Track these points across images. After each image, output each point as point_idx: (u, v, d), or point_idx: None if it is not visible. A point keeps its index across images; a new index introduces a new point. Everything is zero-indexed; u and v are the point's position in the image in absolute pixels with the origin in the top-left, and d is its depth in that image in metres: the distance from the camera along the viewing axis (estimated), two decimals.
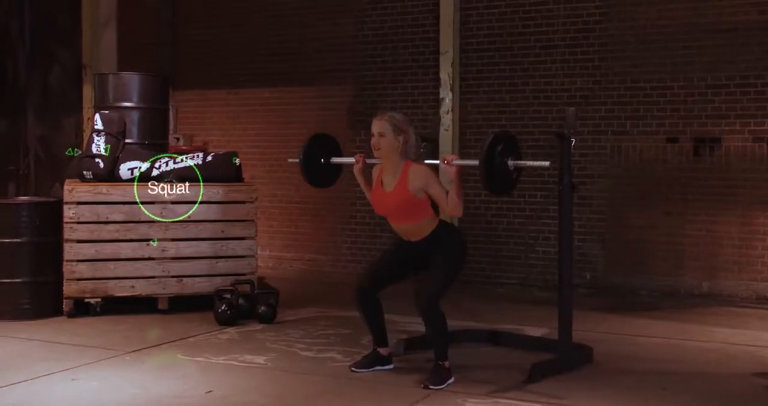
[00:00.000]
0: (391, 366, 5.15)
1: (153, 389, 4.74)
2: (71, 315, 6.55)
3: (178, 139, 9.33)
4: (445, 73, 8.21)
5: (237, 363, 5.28)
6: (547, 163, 4.95)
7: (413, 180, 4.84)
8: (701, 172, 7.44)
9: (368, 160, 5.14)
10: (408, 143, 4.91)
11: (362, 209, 8.73)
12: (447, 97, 8.20)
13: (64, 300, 6.55)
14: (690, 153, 7.47)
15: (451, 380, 4.83)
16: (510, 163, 4.74)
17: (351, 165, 5.22)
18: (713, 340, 6.05)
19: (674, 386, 4.89)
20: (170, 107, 9.53)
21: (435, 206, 4.96)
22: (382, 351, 5.15)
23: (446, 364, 4.88)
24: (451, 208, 4.79)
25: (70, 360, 5.27)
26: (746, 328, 6.45)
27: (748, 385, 4.96)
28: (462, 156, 8.27)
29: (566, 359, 5.21)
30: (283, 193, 9.25)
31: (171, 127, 9.59)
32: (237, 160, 7.06)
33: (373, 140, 4.92)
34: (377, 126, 4.91)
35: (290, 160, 5.57)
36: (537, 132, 7.98)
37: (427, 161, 5.01)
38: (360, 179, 5.18)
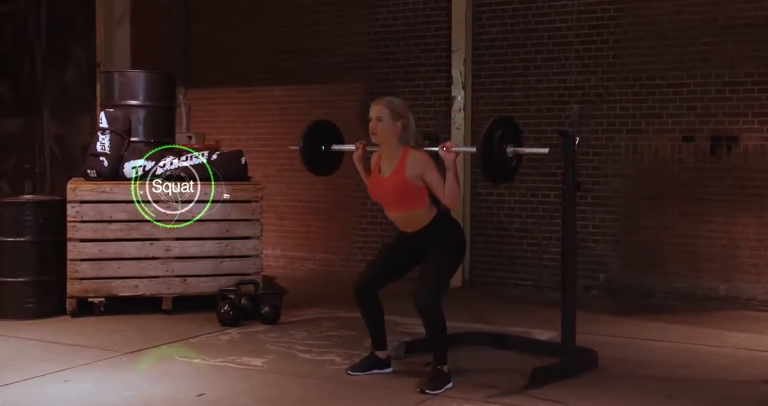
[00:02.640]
0: (390, 370, 5.04)
1: (146, 391, 4.67)
2: (75, 315, 6.51)
3: (190, 137, 9.28)
4: (457, 70, 8.07)
5: (234, 365, 5.19)
6: (546, 150, 4.88)
7: (411, 166, 4.73)
8: (718, 171, 7.23)
9: (368, 148, 5.06)
10: (407, 129, 4.80)
11: (374, 208, 8.61)
12: (459, 95, 8.05)
13: (68, 299, 6.50)
14: (706, 152, 7.27)
15: (449, 385, 4.71)
16: (509, 149, 4.64)
17: (351, 152, 5.13)
18: (726, 345, 5.87)
19: (681, 393, 4.73)
20: (183, 105, 9.54)
21: (434, 198, 4.83)
22: (380, 354, 5.04)
23: (445, 368, 4.76)
24: (448, 196, 4.67)
25: (65, 361, 5.22)
26: (762, 332, 6.25)
27: (758, 392, 4.79)
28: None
29: (569, 363, 5.07)
30: (294, 192, 9.17)
31: (184, 125, 9.59)
32: (243, 159, 6.99)
33: (371, 125, 4.81)
34: (375, 110, 4.82)
35: (291, 147, 5.50)
36: (550, 130, 7.79)
37: (425, 149, 4.91)
38: (359, 166, 5.10)
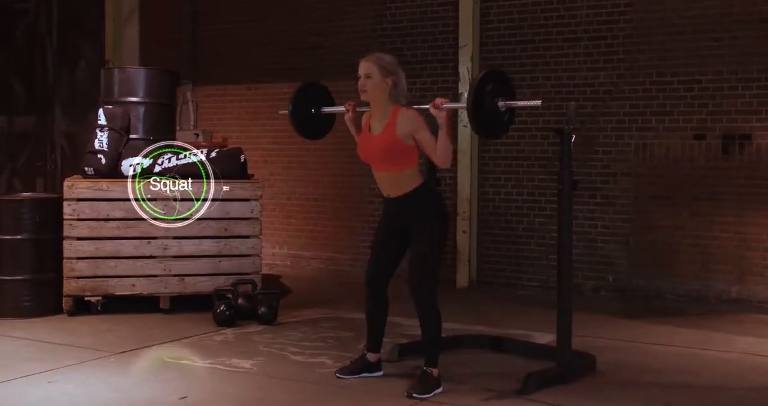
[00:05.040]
0: (380, 373, 4.91)
1: (128, 393, 4.59)
2: (72, 313, 6.45)
3: (197, 134, 9.19)
4: (464, 67, 7.92)
5: (222, 367, 5.09)
6: (538, 102, 4.75)
7: (402, 124, 4.59)
8: (730, 170, 7.02)
9: (358, 108, 4.94)
10: (397, 86, 4.67)
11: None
12: (466, 92, 7.90)
13: (64, 298, 6.44)
14: (718, 150, 7.06)
15: (438, 390, 4.58)
16: (501, 103, 4.51)
17: (343, 114, 5.03)
18: (734, 350, 5.68)
19: (680, 400, 4.56)
20: (190, 103, 9.46)
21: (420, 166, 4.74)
22: (371, 357, 4.91)
23: (434, 372, 4.63)
24: (440, 155, 4.55)
25: (53, 361, 5.15)
26: None
27: (760, 400, 4.62)
28: (480, 153, 8.05)
29: (565, 368, 4.91)
30: (302, 191, 9.07)
31: (191, 122, 9.51)
32: (242, 157, 6.89)
33: (360, 82, 4.68)
34: (363, 67, 4.67)
35: (281, 112, 5.37)
36: None
37: (415, 107, 4.77)
38: (351, 128, 5.00)
